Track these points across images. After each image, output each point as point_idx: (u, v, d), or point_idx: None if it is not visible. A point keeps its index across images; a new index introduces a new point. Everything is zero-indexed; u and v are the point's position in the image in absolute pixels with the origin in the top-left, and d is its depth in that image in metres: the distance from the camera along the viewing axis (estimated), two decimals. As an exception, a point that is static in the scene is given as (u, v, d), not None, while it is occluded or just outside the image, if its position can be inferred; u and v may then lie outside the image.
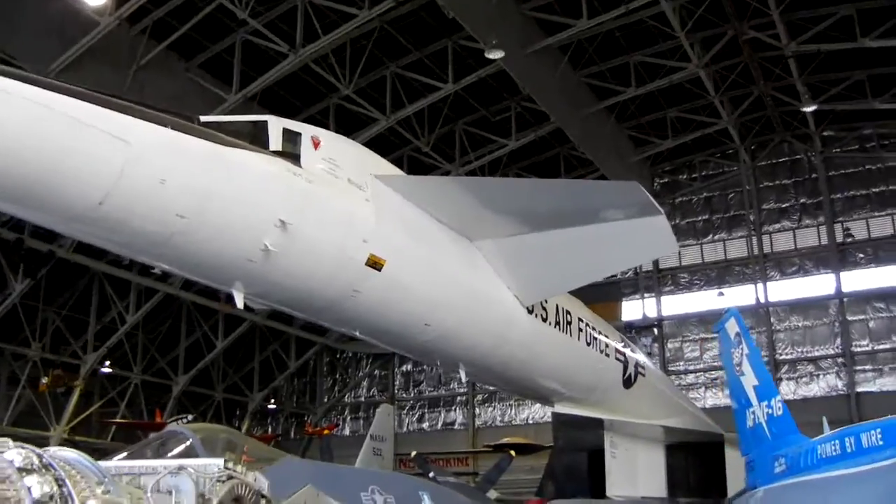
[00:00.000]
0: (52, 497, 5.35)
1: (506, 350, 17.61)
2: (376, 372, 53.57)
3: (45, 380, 38.82)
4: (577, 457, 25.35)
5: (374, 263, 13.59)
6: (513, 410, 48.67)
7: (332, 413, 53.72)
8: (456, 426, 50.01)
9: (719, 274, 44.90)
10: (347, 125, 34.23)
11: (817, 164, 44.09)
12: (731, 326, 20.24)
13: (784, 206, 44.65)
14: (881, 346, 41.26)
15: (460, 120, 39.43)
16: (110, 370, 43.06)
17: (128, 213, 10.81)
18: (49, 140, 9.88)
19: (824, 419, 19.60)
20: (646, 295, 46.18)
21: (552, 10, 33.48)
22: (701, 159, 46.48)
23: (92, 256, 37.57)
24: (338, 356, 54.69)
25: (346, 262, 13.33)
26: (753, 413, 18.61)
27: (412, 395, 51.82)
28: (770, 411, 18.00)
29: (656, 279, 46.08)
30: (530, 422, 47.67)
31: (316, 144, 13.12)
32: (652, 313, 46.18)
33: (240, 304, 12.92)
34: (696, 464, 25.81)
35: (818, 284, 43.22)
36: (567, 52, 35.89)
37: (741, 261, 44.60)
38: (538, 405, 46.11)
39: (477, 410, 49.75)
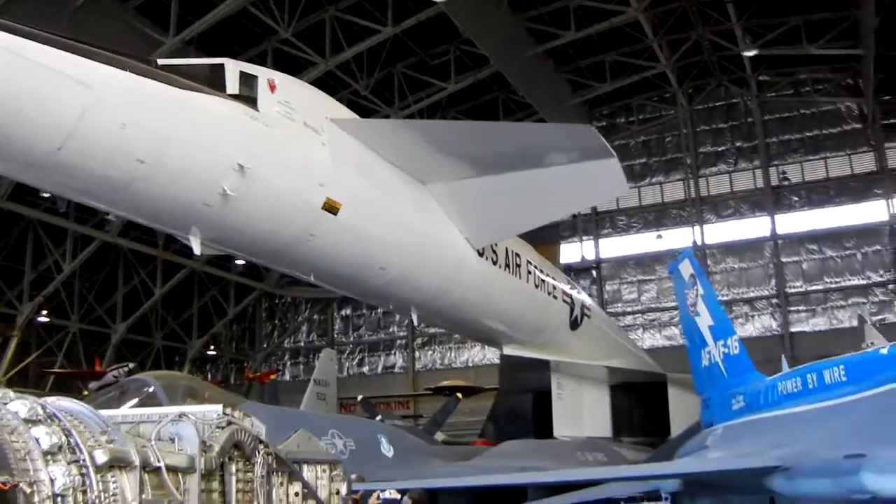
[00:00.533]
0: (60, 448, 5.29)
1: (457, 293, 17.73)
2: (315, 317, 53.42)
3: (-22, 330, 38.29)
4: (522, 399, 25.71)
5: (330, 207, 13.59)
6: (452, 353, 48.91)
7: (271, 359, 53.56)
8: (396, 370, 50.13)
9: (657, 217, 45.26)
10: (286, 69, 33.29)
11: (753, 109, 44.52)
12: (686, 268, 20.42)
13: (720, 149, 45.07)
14: (814, 288, 42.05)
15: (399, 63, 39.14)
16: (47, 319, 42.24)
17: (87, 159, 10.68)
18: (9, 83, 9.72)
19: (783, 357, 20.00)
20: (584, 237, 46.42)
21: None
22: (638, 103, 46.61)
23: (26, 204, 36.89)
24: (276, 301, 54.42)
25: (302, 206, 13.32)
26: (709, 353, 18.85)
27: (352, 339, 51.78)
28: (727, 350, 18.24)
29: (594, 222, 46.33)
30: (470, 364, 47.97)
31: (272, 88, 13.04)
32: (590, 256, 46.46)
33: (196, 249, 12.85)
34: (639, 404, 26.29)
35: (753, 227, 43.79)
36: (507, -5, 35.81)
37: (678, 204, 45.00)
38: (478, 347, 46.66)
39: (417, 354, 49.94)
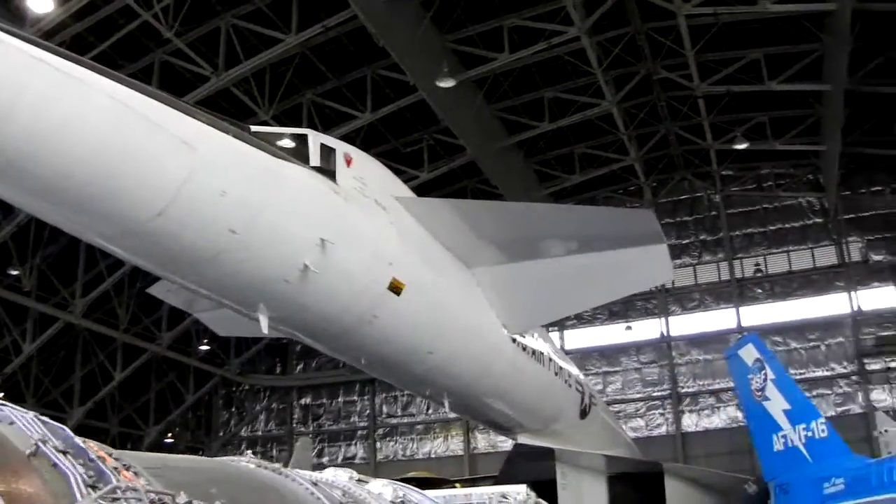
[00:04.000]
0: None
1: (489, 380, 17.44)
2: (274, 405, 52.48)
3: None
4: (519, 489, 25.16)
5: (395, 287, 13.29)
6: (415, 444, 48.16)
7: (228, 447, 52.21)
8: (357, 460, 48.87)
9: (623, 308, 45.38)
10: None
11: (717, 202, 45.14)
12: (749, 352, 20.41)
13: (684, 242, 45.54)
14: (780, 380, 42.19)
15: (371, 150, 38.98)
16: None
17: (183, 227, 10.27)
18: (121, 140, 9.31)
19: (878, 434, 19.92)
20: (550, 328, 46.23)
21: (474, 44, 33.53)
22: (605, 195, 46.99)
23: (-14, 282, 36.11)
24: (235, 389, 53.46)
25: (370, 285, 13.00)
26: (784, 437, 18.75)
27: (311, 428, 50.76)
28: (810, 434, 18.16)
29: (559, 313, 46.16)
30: (433, 456, 47.19)
31: (348, 162, 12.83)
32: (554, 347, 46.17)
33: (265, 328, 12.34)
34: (636, 494, 25.93)
35: (719, 319, 44.11)
36: (484, 85, 36.01)
37: (644, 295, 45.17)
38: (440, 439, 46.23)
39: (378, 444, 49.12)
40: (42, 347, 40.12)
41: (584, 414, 22.52)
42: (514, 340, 17.48)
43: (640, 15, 33.16)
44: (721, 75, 35.37)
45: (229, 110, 33.92)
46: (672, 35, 33.11)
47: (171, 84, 30.98)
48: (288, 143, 12.20)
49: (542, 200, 43.75)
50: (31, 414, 4.56)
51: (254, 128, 11.80)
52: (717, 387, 43.09)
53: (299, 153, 12.08)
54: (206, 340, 46.80)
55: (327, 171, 12.32)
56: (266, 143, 11.36)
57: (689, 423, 42.55)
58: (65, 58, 8.98)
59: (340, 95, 35.32)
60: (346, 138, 35.42)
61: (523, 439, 21.26)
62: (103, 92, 9.09)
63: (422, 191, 41.47)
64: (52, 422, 4.63)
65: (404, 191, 15.03)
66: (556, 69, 36.46)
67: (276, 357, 51.94)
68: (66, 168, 9.07)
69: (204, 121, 10.35)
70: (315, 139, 12.49)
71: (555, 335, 46.04)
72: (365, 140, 36.40)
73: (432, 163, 39.26)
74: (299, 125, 34.19)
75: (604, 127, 39.75)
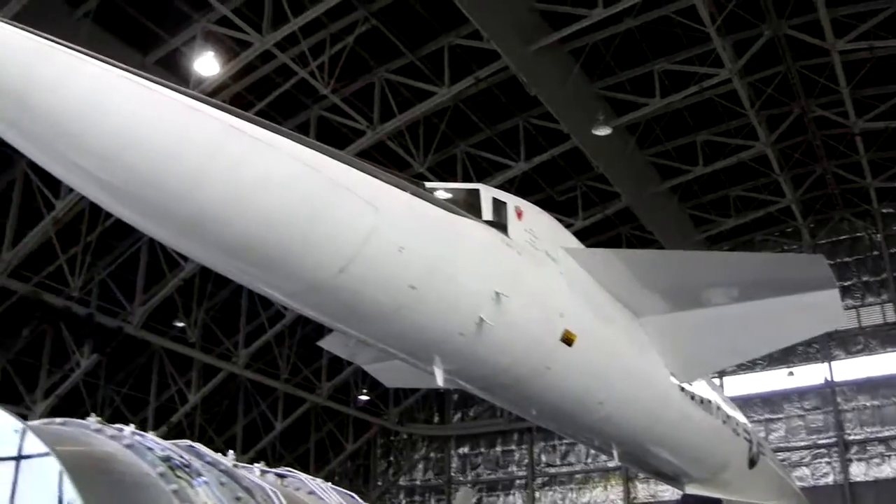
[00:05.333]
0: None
1: (658, 429, 17.22)
2: (432, 454, 52.71)
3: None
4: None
5: (567, 339, 13.29)
6: (574, 494, 47.47)
7: (386, 496, 52.74)
8: (516, 510, 49.02)
9: (783, 353, 44.17)
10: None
11: (879, 242, 43.81)
12: None
13: (846, 283, 44.13)
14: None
15: (526, 199, 39.06)
16: (168, 450, 42.03)
17: (364, 283, 10.47)
18: (308, 201, 9.61)
19: None
20: (710, 376, 45.39)
21: (625, 90, 33.56)
22: (761, 238, 46.08)
23: (155, 332, 37.33)
24: (392, 438, 53.88)
25: (543, 337, 13.04)
26: None
27: (469, 477, 50.72)
28: None
29: (720, 360, 45.31)
30: (592, 506, 46.78)
31: (519, 214, 12.98)
32: (713, 395, 45.30)
33: (440, 381, 12.49)
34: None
35: (886, 363, 42.51)
36: (636, 131, 35.96)
37: (805, 340, 43.90)
38: (599, 489, 45.77)
39: (537, 494, 48.68)
40: (206, 397, 41.24)
41: (752, 463, 21.99)
42: (682, 389, 17.28)
43: (792, 53, 32.73)
44: (879, 111, 34.56)
45: (384, 163, 34.59)
46: (826, 72, 32.60)
47: (328, 138, 31.62)
48: (461, 198, 12.41)
49: (697, 245, 43.34)
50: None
51: (428, 184, 12.06)
52: (886, 434, 41.37)
53: (472, 207, 12.27)
54: (365, 390, 47.44)
55: (500, 224, 12.49)
56: (441, 199, 11.59)
57: (858, 472, 41.00)
58: (254, 123, 9.33)
59: (494, 145, 35.73)
60: (501, 188, 36.01)
61: (691, 490, 20.90)
62: (291, 155, 9.41)
63: (577, 238, 41.48)
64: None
65: (572, 241, 15.09)
66: (708, 112, 36.19)
67: (433, 406, 52.19)
68: (255, 229, 9.37)
69: (384, 179, 10.61)
70: (487, 193, 12.69)
71: (714, 382, 45.31)
72: (519, 189, 36.60)
73: (587, 210, 39.28)
74: (454, 176, 34.77)
75: (758, 168, 39.12)
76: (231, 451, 7.26)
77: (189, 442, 6.80)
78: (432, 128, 33.72)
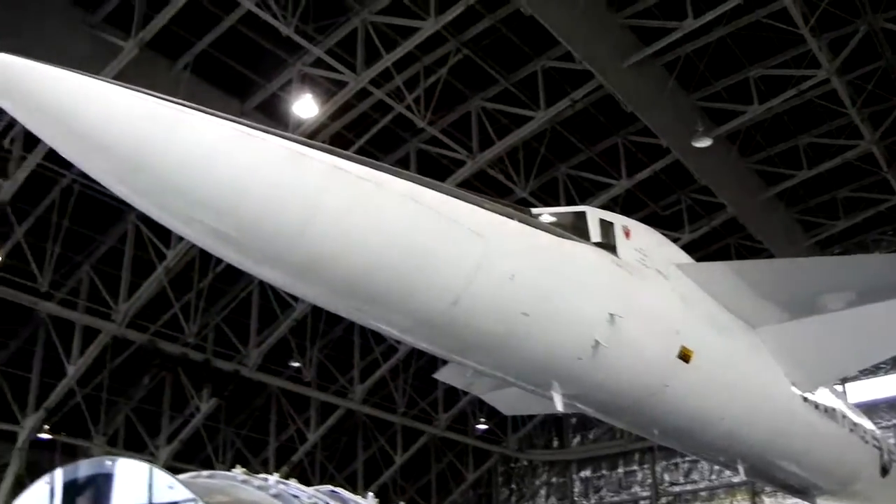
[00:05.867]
0: None
1: (783, 442, 16.93)
2: (554, 479, 52.24)
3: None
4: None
5: (684, 355, 13.16)
6: (699, 514, 47.03)
7: (509, 525, 52.70)
8: (641, 531, 48.43)
9: (906, 354, 43.10)
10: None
11: None
12: None
13: (967, 280, 42.81)
14: None
15: (630, 216, 38.78)
16: (294, 490, 42.49)
17: (477, 314, 10.52)
18: (417, 236, 9.70)
19: None
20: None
21: (721, 99, 33.20)
22: (874, 238, 44.93)
23: (271, 373, 37.96)
24: (513, 465, 53.48)
25: (660, 355, 12.94)
26: None
27: (593, 501, 50.17)
28: None
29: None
30: (721, 526, 46.00)
31: (627, 234, 12.93)
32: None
33: (560, 406, 12.50)
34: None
35: None
36: (736, 139, 35.51)
37: (929, 340, 42.78)
38: (727, 508, 44.98)
39: (662, 514, 48.17)
40: (325, 434, 41.60)
41: (885, 471, 21.42)
42: (805, 399, 16.94)
43: (891, 47, 31.96)
44: None
45: (486, 191, 34.69)
46: (927, 63, 31.86)
47: (429, 170, 31.93)
48: (568, 221, 12.42)
49: (808, 250, 42.45)
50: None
51: (534, 210, 12.11)
52: None
53: (579, 230, 12.27)
54: (482, 419, 47.41)
55: (608, 245, 12.47)
56: (548, 224, 11.62)
57: None
58: (358, 162, 9.45)
59: (594, 165, 35.65)
60: (605, 207, 35.79)
61: (823, 502, 20.45)
62: (397, 192, 9.51)
63: (685, 252, 41.01)
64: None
65: (681, 256, 14.96)
66: (808, 114, 35.48)
67: (552, 431, 51.83)
68: (366, 268, 9.48)
69: (490, 208, 10.66)
70: (593, 215, 12.68)
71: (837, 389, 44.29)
72: (623, 207, 36.33)
73: (693, 223, 38.80)
74: (556, 199, 34.72)
75: (865, 167, 38.10)
76: (370, 494, 7.30)
77: (330, 487, 6.97)
78: (532, 152, 33.77)
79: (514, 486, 53.44)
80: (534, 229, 11.22)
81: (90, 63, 23.63)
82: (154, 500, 5.26)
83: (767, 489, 40.78)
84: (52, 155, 23.34)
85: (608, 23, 28.49)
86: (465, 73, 30.74)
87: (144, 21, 24.72)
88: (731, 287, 14.83)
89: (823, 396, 18.35)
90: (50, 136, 7.91)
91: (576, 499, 50.80)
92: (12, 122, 25.04)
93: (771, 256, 40.29)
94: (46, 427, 34.01)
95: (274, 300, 35.51)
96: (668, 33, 28.33)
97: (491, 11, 28.31)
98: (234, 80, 29.32)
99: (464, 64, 30.05)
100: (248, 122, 8.74)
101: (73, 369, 32.06)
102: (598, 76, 28.91)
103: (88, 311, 32.14)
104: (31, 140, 25.63)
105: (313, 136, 28.94)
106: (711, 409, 14.63)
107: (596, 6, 28.01)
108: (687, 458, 45.17)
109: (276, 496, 6.17)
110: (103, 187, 8.72)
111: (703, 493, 46.44)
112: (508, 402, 20.80)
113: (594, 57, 28.30)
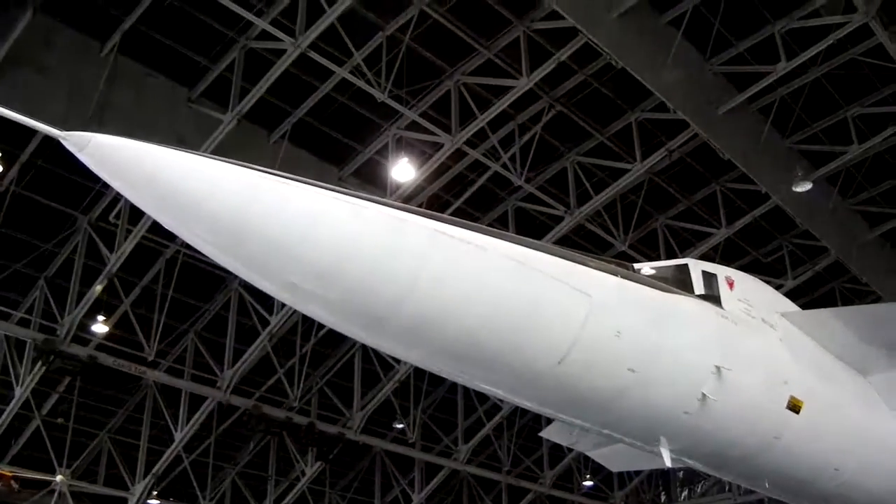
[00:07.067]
0: None
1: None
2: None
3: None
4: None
5: (794, 406, 12.88)
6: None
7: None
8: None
9: None
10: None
11: None
12: None
13: None
14: None
15: (731, 265, 38.30)
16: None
17: (584, 371, 10.41)
18: (521, 297, 9.65)
19: None
20: None
21: (819, 141, 32.67)
22: (983, 273, 43.65)
23: (375, 435, 38.08)
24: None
25: (769, 407, 12.66)
26: None
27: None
28: None
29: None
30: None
31: (731, 285, 12.74)
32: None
33: (668, 461, 12.27)
34: None
35: None
36: (836, 181, 34.89)
37: None
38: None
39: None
40: (430, 495, 41.53)
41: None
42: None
43: None
44: None
45: (585, 245, 34.62)
46: None
47: (527, 227, 32.11)
48: (670, 275, 12.32)
49: (917, 291, 41.46)
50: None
51: (636, 265, 12.04)
52: None
53: (683, 283, 12.14)
54: (588, 475, 46.88)
55: (712, 297, 12.28)
56: (651, 279, 11.54)
57: None
58: (459, 225, 9.48)
59: (693, 214, 35.29)
60: (705, 256, 35.59)
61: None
62: (499, 253, 9.50)
63: (789, 299, 40.20)
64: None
65: (786, 304, 14.66)
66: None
67: (659, 485, 51.12)
68: (470, 330, 9.47)
69: (593, 266, 10.62)
70: (696, 267, 12.53)
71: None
72: (724, 255, 36.03)
73: (795, 268, 38.07)
74: (656, 250, 34.47)
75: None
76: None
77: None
78: (630, 204, 33.62)
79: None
80: (637, 285, 11.13)
81: (193, 136, 24.42)
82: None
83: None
84: (155, 227, 23.98)
85: (701, 71, 28.32)
86: (559, 128, 30.79)
87: (241, 94, 25.35)
88: (839, 334, 14.51)
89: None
90: (157, 211, 8.09)
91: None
92: (118, 197, 25.84)
93: (878, 299, 39.41)
94: (155, 493, 34.62)
95: (377, 362, 35.77)
96: (761, 77, 28.04)
97: (582, 66, 28.39)
98: (331, 147, 29.80)
99: (558, 119, 30.11)
100: (348, 190, 8.84)
101: (179, 435, 32.64)
102: (693, 125, 28.70)
103: (194, 379, 32.81)
104: (135, 213, 26.37)
105: (411, 198, 29.30)
106: (825, 459, 14.26)
107: (687, 53, 27.90)
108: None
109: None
110: (206, 257, 8.88)
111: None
112: (615, 458, 20.50)
113: (688, 106, 28.13)
